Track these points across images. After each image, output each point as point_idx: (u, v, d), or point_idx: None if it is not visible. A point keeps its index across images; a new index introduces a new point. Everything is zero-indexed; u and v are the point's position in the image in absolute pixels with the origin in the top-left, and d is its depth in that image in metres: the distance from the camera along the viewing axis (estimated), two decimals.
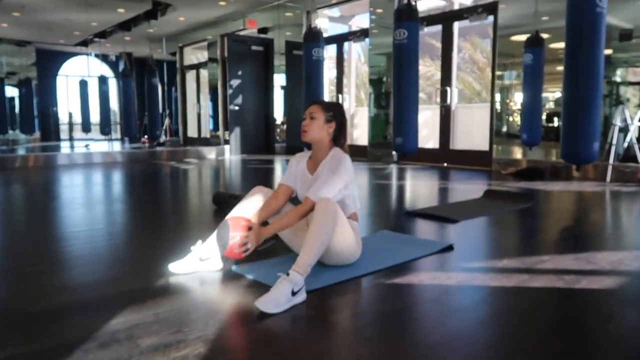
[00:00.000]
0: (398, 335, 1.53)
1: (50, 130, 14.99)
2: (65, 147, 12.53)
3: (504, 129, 7.64)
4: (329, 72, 9.46)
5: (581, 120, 4.13)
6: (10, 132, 15.88)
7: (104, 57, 16.23)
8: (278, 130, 10.27)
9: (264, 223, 2.21)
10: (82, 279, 2.06)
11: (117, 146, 12.82)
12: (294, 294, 1.75)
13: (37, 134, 15.00)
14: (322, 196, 2.01)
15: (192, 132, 13.49)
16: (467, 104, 10.40)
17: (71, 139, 15.46)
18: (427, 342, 1.47)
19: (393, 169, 6.98)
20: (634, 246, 2.64)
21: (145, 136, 13.59)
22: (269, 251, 2.42)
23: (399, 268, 2.20)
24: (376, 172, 6.63)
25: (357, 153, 8.62)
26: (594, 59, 4.06)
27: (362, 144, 8.65)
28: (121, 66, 15.54)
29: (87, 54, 15.27)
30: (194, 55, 13.02)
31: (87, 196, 4.63)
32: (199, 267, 2.13)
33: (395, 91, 5.59)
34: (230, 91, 9.50)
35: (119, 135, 16.44)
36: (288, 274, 1.78)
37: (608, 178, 5.07)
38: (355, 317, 1.67)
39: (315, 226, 1.90)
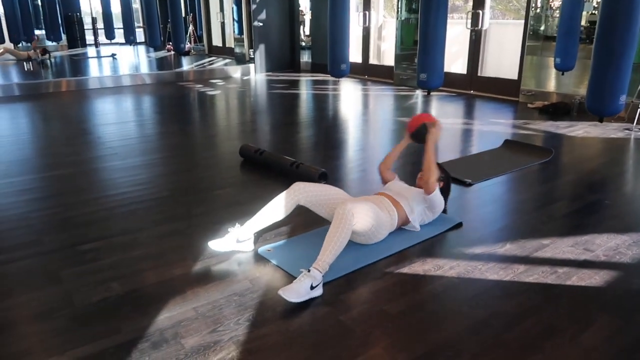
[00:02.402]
0: (396, 342, 1.80)
1: (76, 37, 14.85)
2: (92, 55, 12.61)
3: (542, 28, 7.28)
4: None
5: (611, 72, 4.03)
6: (37, 32, 15.88)
7: None
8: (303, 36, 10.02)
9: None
10: (130, 261, 2.38)
11: (142, 56, 12.82)
12: (312, 287, 2.03)
13: (64, 41, 15.00)
14: (438, 191, 2.62)
15: (216, 41, 13.30)
16: (501, 20, 9.84)
17: (97, 45, 15.43)
18: (419, 352, 1.74)
19: (418, 96, 6.95)
20: (636, 224, 2.78)
21: (170, 43, 13.48)
22: (292, 229, 2.68)
23: (407, 252, 2.44)
24: (400, 102, 6.63)
25: (382, 74, 8.52)
26: (632, 7, 3.85)
27: (388, 64, 8.50)
28: None
29: None
30: None
31: (120, 139, 4.90)
32: (235, 247, 2.43)
33: (422, 26, 5.42)
34: (253, 6, 9.22)
35: (142, 39, 16.33)
36: (309, 270, 2.06)
37: (635, 121, 5.01)
38: (363, 318, 1.95)
39: (334, 229, 2.16)
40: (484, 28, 6.89)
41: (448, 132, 5.16)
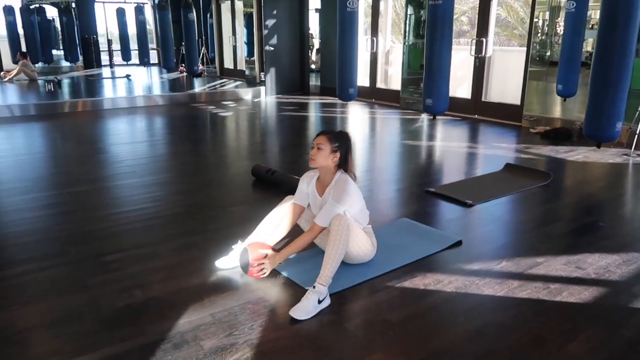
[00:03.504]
0: (396, 347, 1.96)
1: (92, 58, 15.34)
2: (107, 76, 13.02)
3: (548, 54, 7.48)
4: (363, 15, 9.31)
5: (607, 99, 4.22)
6: (54, 52, 16.43)
7: None
8: (312, 58, 10.37)
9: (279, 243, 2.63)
10: (150, 271, 2.56)
11: (156, 77, 13.21)
12: (319, 302, 2.19)
13: (80, 61, 15.47)
14: (326, 218, 2.37)
15: (228, 63, 13.68)
16: (506, 47, 10.10)
17: (112, 66, 15.89)
18: (417, 357, 1.90)
19: (424, 120, 7.15)
20: (627, 245, 2.93)
21: (182, 65, 13.88)
22: None
23: (409, 268, 2.60)
24: (406, 126, 6.84)
25: (389, 98, 8.77)
26: (627, 39, 4.06)
27: (395, 88, 8.74)
28: None
29: None
30: None
31: (135, 158, 5.13)
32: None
33: (427, 53, 5.66)
34: (265, 32, 9.56)
35: (156, 60, 16.80)
36: (314, 287, 2.21)
37: (633, 146, 5.16)
38: (366, 325, 2.11)
39: (332, 242, 2.32)
40: (487, 55, 7.13)
41: (453, 155, 5.35)
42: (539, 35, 7.40)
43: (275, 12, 9.62)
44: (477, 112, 7.35)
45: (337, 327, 2.08)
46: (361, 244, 2.51)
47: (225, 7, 13.33)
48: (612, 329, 2.09)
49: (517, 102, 6.88)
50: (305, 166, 4.85)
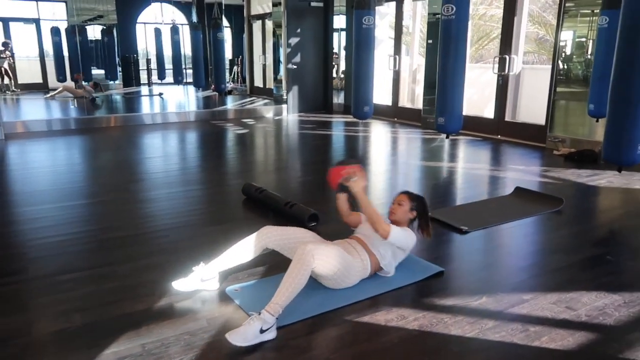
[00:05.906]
0: None
1: (131, 76, 15.89)
2: (143, 93, 13.46)
3: (581, 71, 7.01)
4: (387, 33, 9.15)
5: (628, 120, 3.85)
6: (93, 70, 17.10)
7: (176, 3, 16.78)
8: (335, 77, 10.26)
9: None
10: (101, 293, 2.44)
11: (186, 95, 13.51)
12: (262, 331, 2.00)
13: (119, 80, 16.04)
14: (395, 232, 2.43)
15: (258, 82, 13.79)
16: (535, 65, 9.66)
17: (150, 84, 16.41)
18: None
19: (444, 140, 6.85)
20: (635, 283, 2.58)
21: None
22: (267, 270, 2.67)
23: (375, 300, 2.36)
24: (425, 146, 6.58)
25: (412, 117, 8.51)
26: None
27: (418, 107, 8.48)
28: (193, 14, 15.99)
29: (161, 1, 15.91)
30: (260, 5, 13.03)
31: (142, 172, 5.11)
32: (199, 286, 2.44)
33: (440, 70, 5.41)
34: (288, 50, 9.55)
35: (190, 79, 17.21)
36: (260, 313, 2.03)
37: None
38: None
39: (290, 271, 2.14)
40: (512, 73, 6.80)
41: (465, 177, 5.05)
42: (571, 52, 6.96)
43: (299, 30, 9.60)
44: (500, 132, 6.99)
45: None
46: (330, 265, 2.28)
47: (257, 27, 13.50)
48: None
49: (542, 122, 6.49)
50: (314, 184, 4.68)
